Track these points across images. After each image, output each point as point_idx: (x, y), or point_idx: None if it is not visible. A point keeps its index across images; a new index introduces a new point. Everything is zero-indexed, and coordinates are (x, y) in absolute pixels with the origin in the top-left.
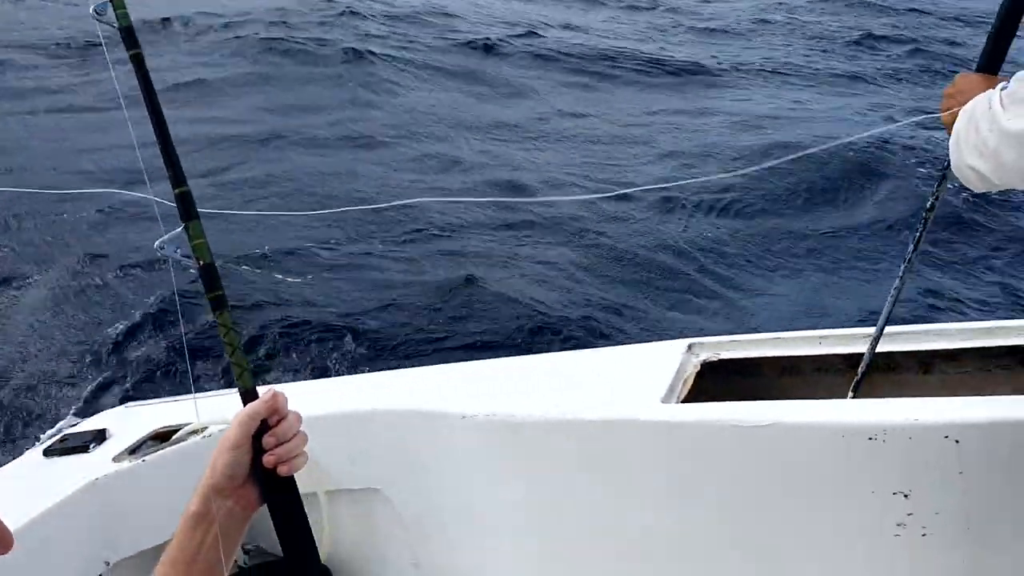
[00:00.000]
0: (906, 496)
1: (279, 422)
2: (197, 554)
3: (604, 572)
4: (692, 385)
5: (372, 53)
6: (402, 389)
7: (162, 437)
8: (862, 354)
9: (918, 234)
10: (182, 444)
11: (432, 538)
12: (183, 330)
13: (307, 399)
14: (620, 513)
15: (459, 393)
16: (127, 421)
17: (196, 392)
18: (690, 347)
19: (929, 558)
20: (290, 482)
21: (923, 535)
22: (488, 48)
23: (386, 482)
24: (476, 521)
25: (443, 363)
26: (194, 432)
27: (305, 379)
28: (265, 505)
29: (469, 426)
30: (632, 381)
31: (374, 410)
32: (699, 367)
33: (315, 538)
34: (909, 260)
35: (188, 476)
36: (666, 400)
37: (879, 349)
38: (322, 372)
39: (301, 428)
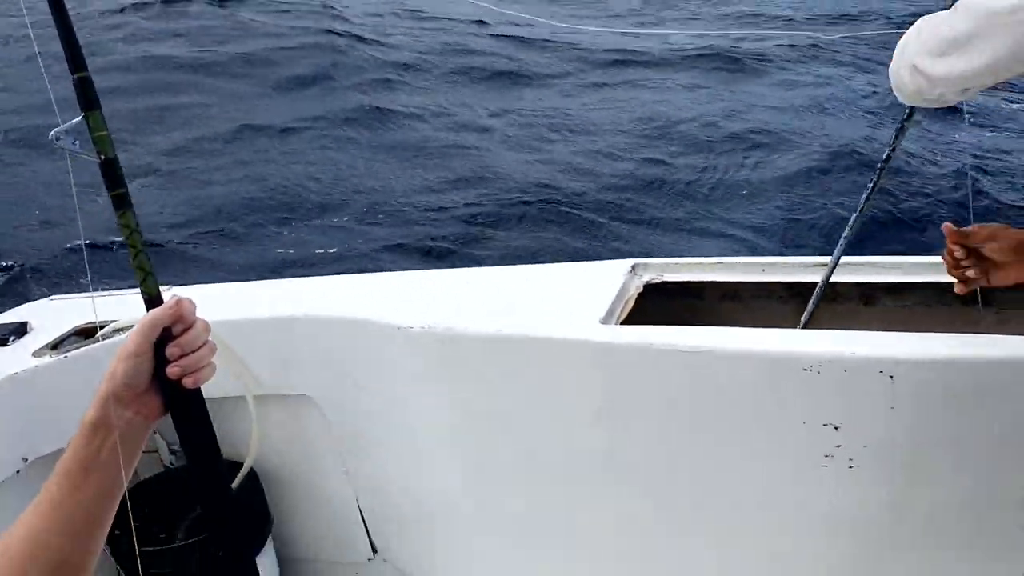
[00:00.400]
0: (836, 428)
1: (184, 331)
2: (93, 464)
3: (533, 490)
4: (633, 306)
5: None
6: (334, 296)
7: (86, 333)
8: (804, 283)
9: (875, 177)
10: (106, 342)
11: (363, 448)
12: (82, 233)
13: (236, 302)
14: (553, 432)
15: (393, 303)
16: (49, 315)
17: (114, 291)
18: (633, 268)
19: (853, 490)
20: (196, 394)
21: (849, 467)
22: None
23: (317, 390)
24: (408, 433)
25: (378, 271)
26: (119, 330)
27: (231, 281)
28: None
29: (404, 337)
30: (573, 300)
31: (307, 316)
32: (641, 288)
33: (244, 443)
34: (865, 201)
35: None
36: (605, 321)
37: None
38: (246, 275)
39: (209, 338)
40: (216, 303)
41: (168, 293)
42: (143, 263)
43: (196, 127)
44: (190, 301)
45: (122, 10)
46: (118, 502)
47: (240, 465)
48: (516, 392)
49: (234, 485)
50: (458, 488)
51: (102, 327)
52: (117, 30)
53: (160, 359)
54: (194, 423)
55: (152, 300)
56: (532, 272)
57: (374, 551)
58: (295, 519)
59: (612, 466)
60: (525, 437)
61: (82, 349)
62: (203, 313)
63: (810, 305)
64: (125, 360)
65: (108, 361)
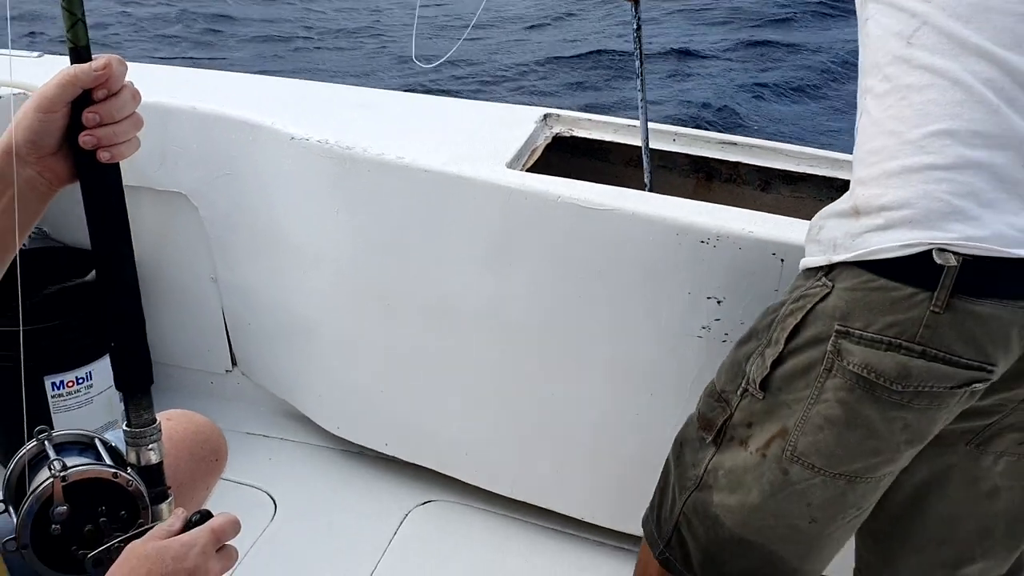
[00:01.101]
0: (719, 303)
1: (108, 98)
2: None
3: (405, 318)
4: (539, 156)
5: None
6: (227, 92)
7: None
8: (709, 159)
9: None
10: None
11: (235, 257)
12: None
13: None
14: (440, 269)
15: (290, 111)
16: None
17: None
18: (545, 117)
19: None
20: (111, 170)
21: (723, 341)
22: None
23: (194, 189)
24: (287, 248)
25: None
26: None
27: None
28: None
29: (298, 149)
30: (481, 139)
31: (194, 109)
32: (550, 140)
33: None
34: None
35: None
36: (511, 166)
37: (729, 157)
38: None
39: (137, 111)
40: None
41: None
42: (74, 5)
43: None
44: (121, 62)
45: None
46: (6, 268)
47: None
48: (410, 224)
49: (90, 277)
50: (328, 310)
51: None
52: None
53: (76, 123)
54: (106, 202)
55: (78, 52)
56: (443, 104)
57: (233, 363)
58: (158, 321)
59: (494, 309)
60: (411, 270)
61: None
62: None
63: (646, 169)
64: (31, 113)
65: None
